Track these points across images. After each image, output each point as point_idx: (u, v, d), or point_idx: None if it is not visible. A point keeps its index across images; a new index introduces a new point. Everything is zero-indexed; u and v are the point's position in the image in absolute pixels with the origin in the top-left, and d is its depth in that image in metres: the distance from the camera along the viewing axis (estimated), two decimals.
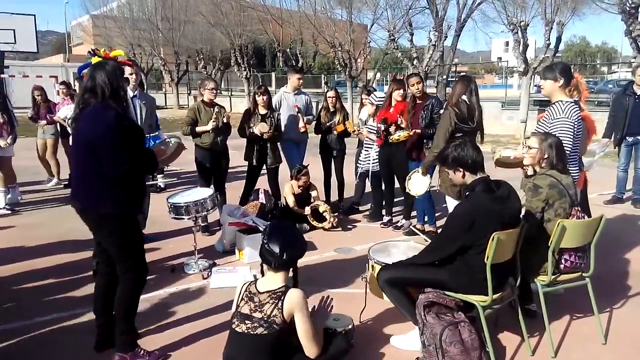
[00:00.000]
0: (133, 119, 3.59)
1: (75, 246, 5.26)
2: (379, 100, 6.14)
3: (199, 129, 5.66)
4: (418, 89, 5.60)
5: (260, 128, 5.83)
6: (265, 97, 5.97)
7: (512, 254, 3.09)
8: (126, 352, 3.11)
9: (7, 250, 5.24)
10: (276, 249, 2.67)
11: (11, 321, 3.71)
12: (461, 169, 3.11)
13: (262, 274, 2.76)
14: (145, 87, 8.17)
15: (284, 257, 2.66)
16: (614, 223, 5.99)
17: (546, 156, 3.45)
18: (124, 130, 2.87)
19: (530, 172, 3.70)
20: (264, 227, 4.10)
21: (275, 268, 2.70)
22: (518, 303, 3.28)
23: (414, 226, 5.89)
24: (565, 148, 3.78)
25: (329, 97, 6.69)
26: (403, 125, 5.52)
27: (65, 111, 7.62)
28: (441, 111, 5.49)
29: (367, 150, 6.31)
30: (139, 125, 4.19)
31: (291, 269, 2.81)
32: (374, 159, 6.17)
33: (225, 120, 5.68)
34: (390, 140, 5.49)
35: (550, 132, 3.87)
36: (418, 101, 5.63)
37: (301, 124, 6.32)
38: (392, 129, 5.58)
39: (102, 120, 2.83)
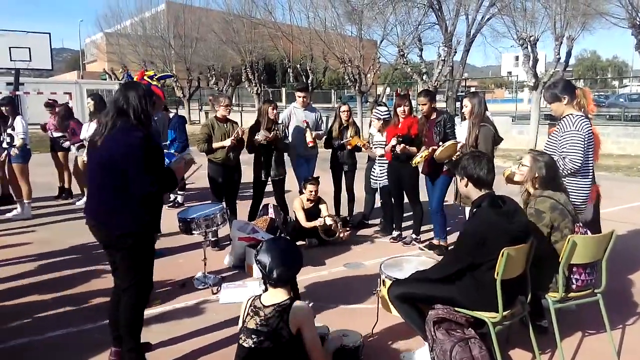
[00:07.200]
0: (158, 140, 3.66)
1: (88, 261, 5.31)
2: (383, 115, 6.16)
3: (215, 145, 5.73)
4: (424, 109, 5.59)
5: (261, 137, 5.82)
6: (276, 111, 6.02)
7: (522, 270, 3.07)
8: None
9: (21, 266, 5.29)
10: (265, 268, 2.66)
11: (23, 336, 3.73)
12: (466, 179, 3.12)
13: (266, 288, 2.76)
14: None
15: (273, 275, 2.64)
16: (626, 239, 5.93)
17: (536, 175, 3.45)
18: (150, 151, 2.93)
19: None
20: None
21: (271, 285, 2.70)
22: (529, 319, 3.25)
23: (425, 244, 5.87)
24: (576, 161, 3.78)
25: (343, 111, 6.70)
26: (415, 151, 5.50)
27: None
28: (456, 127, 5.51)
29: (382, 166, 6.26)
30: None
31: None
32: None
33: (239, 135, 5.72)
34: (413, 165, 5.42)
35: (560, 145, 3.88)
36: (430, 118, 5.58)
37: (309, 139, 6.34)
38: (398, 148, 5.55)
39: (128, 142, 2.89)
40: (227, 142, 5.67)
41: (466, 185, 3.13)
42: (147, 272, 3.17)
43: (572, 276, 3.29)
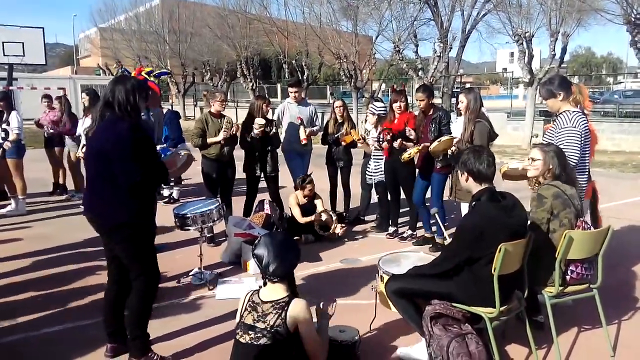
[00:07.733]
0: (150, 133, 3.65)
1: (83, 257, 5.29)
2: (379, 110, 6.16)
3: (209, 140, 5.70)
4: (421, 105, 5.57)
5: (255, 132, 5.74)
6: (269, 107, 5.99)
7: (519, 265, 3.07)
8: (139, 357, 3.14)
9: (16, 262, 5.25)
10: (262, 262, 2.66)
11: (19, 332, 3.72)
12: (466, 173, 3.12)
13: (265, 283, 2.75)
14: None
15: (270, 269, 2.64)
16: (621, 234, 5.95)
17: (550, 167, 3.45)
18: (136, 142, 2.94)
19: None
20: None
21: (269, 279, 2.70)
22: (525, 315, 3.26)
23: (419, 239, 5.89)
24: (573, 157, 3.78)
25: (337, 107, 6.69)
26: (412, 137, 5.49)
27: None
28: (452, 122, 5.50)
29: (377, 162, 6.24)
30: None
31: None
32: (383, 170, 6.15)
33: (234, 132, 5.70)
34: (402, 160, 5.42)
35: (557, 141, 3.88)
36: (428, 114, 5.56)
37: (302, 136, 6.31)
38: (396, 143, 5.56)
39: (115, 132, 2.92)
40: (220, 137, 5.65)
41: (467, 180, 3.13)
42: (151, 261, 3.18)
43: (568, 268, 3.30)
